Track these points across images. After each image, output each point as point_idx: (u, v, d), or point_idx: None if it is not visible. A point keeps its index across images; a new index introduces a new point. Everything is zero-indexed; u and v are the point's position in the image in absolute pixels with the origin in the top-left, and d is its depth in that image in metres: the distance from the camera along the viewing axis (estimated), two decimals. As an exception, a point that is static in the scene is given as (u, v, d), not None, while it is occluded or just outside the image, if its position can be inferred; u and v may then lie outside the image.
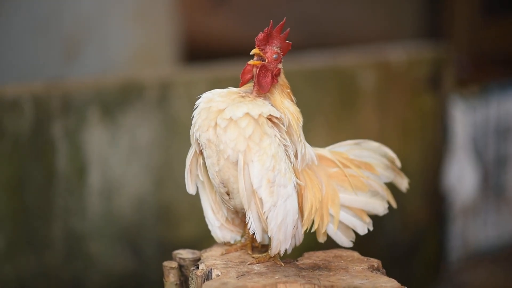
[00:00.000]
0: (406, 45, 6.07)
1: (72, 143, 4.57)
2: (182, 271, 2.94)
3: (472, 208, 6.19)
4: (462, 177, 6.05)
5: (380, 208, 2.91)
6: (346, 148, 2.94)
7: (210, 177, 2.80)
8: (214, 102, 2.73)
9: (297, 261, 2.84)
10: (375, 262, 2.83)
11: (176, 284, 2.93)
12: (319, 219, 2.82)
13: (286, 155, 2.74)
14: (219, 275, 2.70)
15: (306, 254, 2.89)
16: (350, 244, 2.90)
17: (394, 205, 2.94)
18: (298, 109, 2.78)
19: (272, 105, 2.74)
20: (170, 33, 5.94)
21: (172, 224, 4.85)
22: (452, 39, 7.48)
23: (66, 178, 4.56)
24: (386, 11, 7.99)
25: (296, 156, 2.78)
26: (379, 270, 2.80)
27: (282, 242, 2.75)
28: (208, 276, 2.73)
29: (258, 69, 2.74)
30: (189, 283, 2.81)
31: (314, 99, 5.11)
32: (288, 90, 2.77)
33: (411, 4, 7.90)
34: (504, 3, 7.98)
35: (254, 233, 2.84)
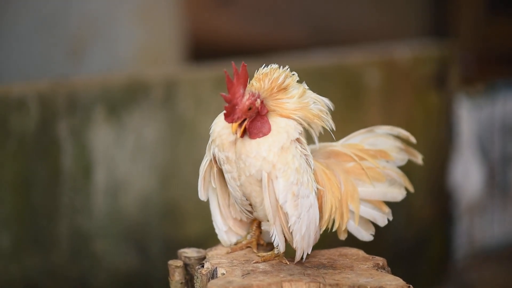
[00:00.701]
0: (411, 43, 6.06)
1: (77, 142, 4.58)
2: (188, 269, 2.94)
3: (478, 206, 6.18)
4: (467, 175, 6.04)
5: (398, 195, 2.91)
6: (360, 138, 2.93)
7: (230, 190, 2.78)
8: (224, 135, 2.71)
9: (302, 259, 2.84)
10: (380, 261, 2.83)
11: (181, 282, 2.93)
12: (339, 218, 2.83)
13: (307, 163, 2.74)
14: (224, 274, 2.70)
15: (311, 253, 2.89)
16: (371, 238, 2.90)
17: (411, 189, 2.94)
18: (300, 94, 2.71)
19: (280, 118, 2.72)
20: (176, 31, 5.94)
21: (178, 223, 4.85)
22: (458, 37, 7.46)
23: (72, 177, 4.57)
24: (392, 9, 7.98)
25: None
26: (384, 269, 2.80)
27: (305, 249, 2.76)
28: (213, 275, 2.73)
29: (248, 126, 2.68)
30: (194, 281, 2.82)
31: (320, 97, 5.11)
32: (276, 90, 2.70)
33: (417, 2, 7.90)
34: (509, 0, 7.96)
35: (261, 233, 2.87)
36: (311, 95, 2.76)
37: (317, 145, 2.88)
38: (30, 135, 4.45)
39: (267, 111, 2.69)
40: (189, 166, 4.80)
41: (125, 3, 5.76)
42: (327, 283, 2.62)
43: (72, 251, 4.60)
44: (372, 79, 5.48)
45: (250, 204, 2.78)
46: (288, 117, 2.70)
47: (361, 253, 2.91)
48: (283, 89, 2.71)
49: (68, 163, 4.55)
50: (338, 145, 2.90)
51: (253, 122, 2.68)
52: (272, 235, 2.74)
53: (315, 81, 5.10)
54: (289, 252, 2.82)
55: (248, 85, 2.68)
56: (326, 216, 2.80)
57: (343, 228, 2.85)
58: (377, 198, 2.89)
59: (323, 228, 2.82)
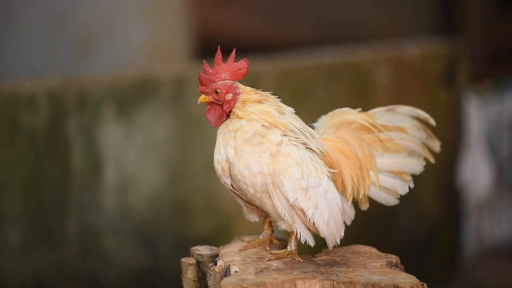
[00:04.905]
0: (420, 41, 6.05)
1: (87, 139, 4.58)
2: (200, 267, 2.94)
3: (487, 203, 6.17)
4: (476, 172, 6.03)
5: (417, 167, 2.90)
6: (378, 115, 2.91)
7: (241, 204, 2.84)
8: (219, 169, 2.73)
9: (315, 257, 2.84)
10: (394, 258, 2.83)
11: (194, 280, 2.93)
12: (363, 185, 2.82)
13: (309, 149, 2.73)
14: (237, 271, 2.70)
15: (324, 250, 2.89)
16: (396, 202, 2.90)
17: (432, 160, 2.93)
18: (268, 105, 2.73)
19: (248, 121, 2.71)
20: (184, 29, 5.94)
21: (187, 220, 4.86)
22: (466, 35, 7.44)
23: (81, 174, 4.57)
24: (400, 6, 7.97)
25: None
26: (397, 266, 2.80)
27: (336, 233, 2.76)
28: (226, 273, 2.73)
29: (209, 106, 2.77)
30: (207, 279, 2.82)
31: (329, 94, 5.11)
32: (250, 102, 2.73)
33: (425, -1, 7.88)
34: (518, -3, 7.94)
35: (273, 231, 2.87)
36: (290, 119, 2.75)
37: (328, 114, 2.89)
38: (40, 133, 4.46)
39: (230, 110, 2.73)
40: (199, 163, 4.80)
41: (134, 1, 5.76)
42: (340, 280, 2.62)
43: (82, 248, 4.60)
44: (380, 76, 5.47)
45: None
46: (241, 118, 2.70)
47: (374, 250, 2.91)
48: (258, 101, 2.74)
49: (77, 161, 4.56)
50: (351, 113, 2.88)
51: (215, 107, 2.75)
52: (296, 233, 2.75)
53: (325, 78, 5.10)
54: (301, 249, 2.82)
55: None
56: (349, 189, 2.80)
57: (367, 193, 2.84)
58: (396, 168, 2.87)
59: (350, 199, 2.81)
